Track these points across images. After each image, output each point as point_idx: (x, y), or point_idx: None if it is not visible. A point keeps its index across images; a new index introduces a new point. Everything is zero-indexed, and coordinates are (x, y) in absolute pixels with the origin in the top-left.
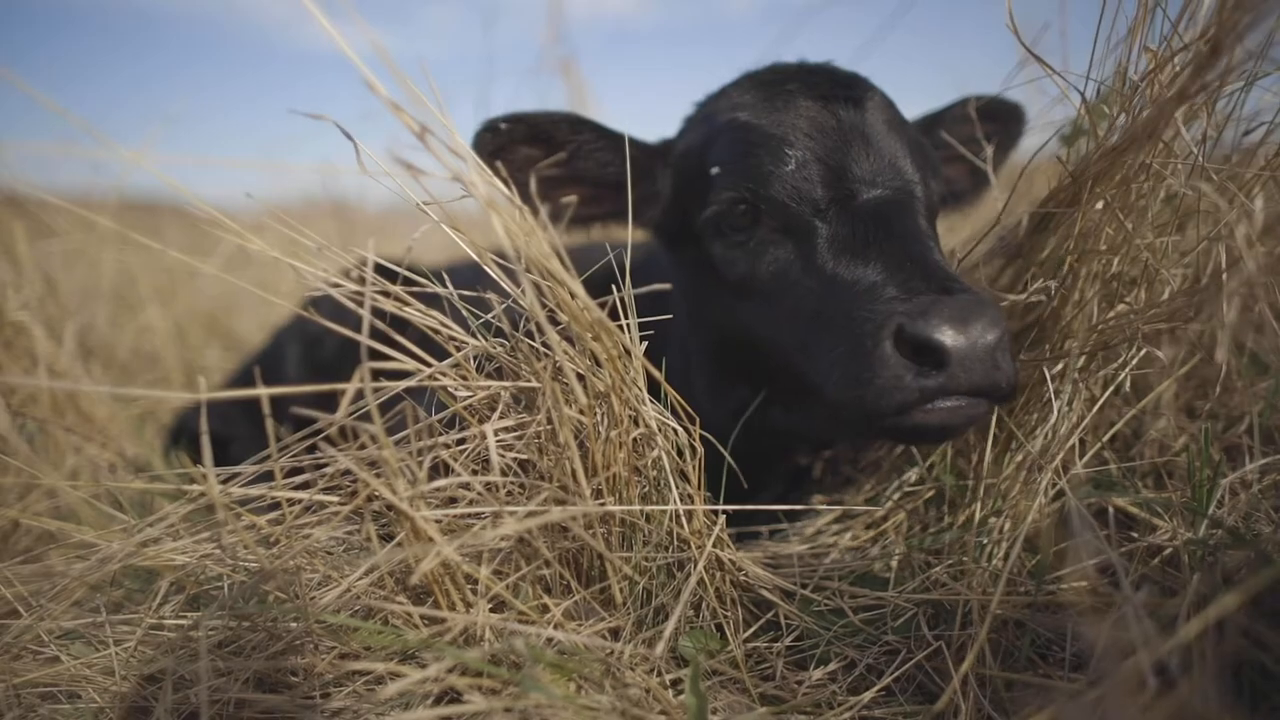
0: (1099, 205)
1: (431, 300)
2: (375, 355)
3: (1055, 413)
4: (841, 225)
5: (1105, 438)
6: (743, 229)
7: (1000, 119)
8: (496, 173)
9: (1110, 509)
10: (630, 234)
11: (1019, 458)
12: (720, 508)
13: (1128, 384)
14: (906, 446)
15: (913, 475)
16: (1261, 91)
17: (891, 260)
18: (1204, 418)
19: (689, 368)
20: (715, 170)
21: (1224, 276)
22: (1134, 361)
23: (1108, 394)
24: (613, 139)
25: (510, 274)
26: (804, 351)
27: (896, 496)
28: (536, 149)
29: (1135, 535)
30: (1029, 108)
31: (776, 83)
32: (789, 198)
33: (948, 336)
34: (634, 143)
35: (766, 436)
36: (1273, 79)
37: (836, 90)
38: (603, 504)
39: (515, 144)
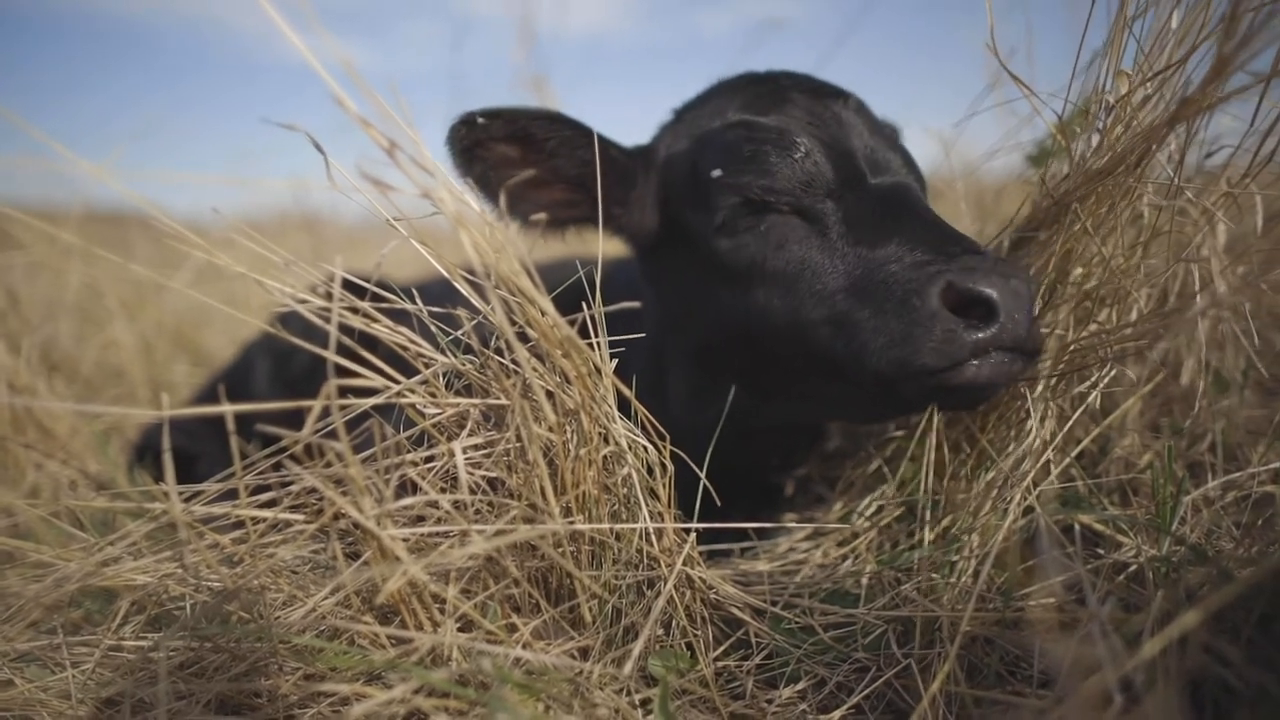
0: (1076, 227)
1: (401, 317)
2: (344, 372)
3: (1032, 433)
4: (857, 205)
5: (1073, 454)
6: (752, 220)
7: None
8: (471, 167)
9: (1077, 526)
10: (600, 246)
11: (990, 475)
12: (691, 525)
13: (1097, 402)
14: (935, 413)
15: (885, 492)
16: (1221, 115)
17: (916, 231)
18: (1168, 435)
19: (663, 382)
20: (717, 173)
21: (1197, 299)
22: (1104, 381)
23: (1079, 413)
24: (592, 137)
25: (480, 290)
26: (834, 325)
27: (869, 513)
28: (513, 147)
29: (1101, 552)
30: (998, 128)
31: (763, 82)
32: (801, 185)
33: (995, 289)
34: (613, 145)
35: (751, 439)
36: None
37: (824, 88)
38: (572, 522)
39: (492, 140)
